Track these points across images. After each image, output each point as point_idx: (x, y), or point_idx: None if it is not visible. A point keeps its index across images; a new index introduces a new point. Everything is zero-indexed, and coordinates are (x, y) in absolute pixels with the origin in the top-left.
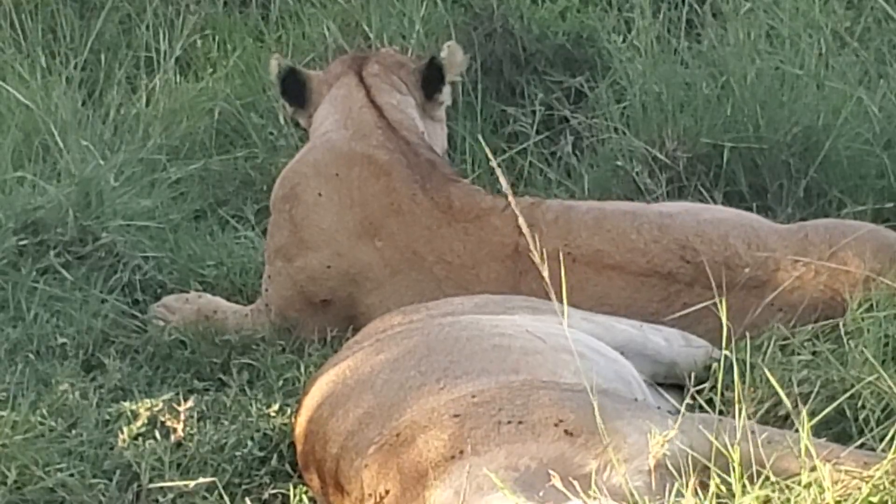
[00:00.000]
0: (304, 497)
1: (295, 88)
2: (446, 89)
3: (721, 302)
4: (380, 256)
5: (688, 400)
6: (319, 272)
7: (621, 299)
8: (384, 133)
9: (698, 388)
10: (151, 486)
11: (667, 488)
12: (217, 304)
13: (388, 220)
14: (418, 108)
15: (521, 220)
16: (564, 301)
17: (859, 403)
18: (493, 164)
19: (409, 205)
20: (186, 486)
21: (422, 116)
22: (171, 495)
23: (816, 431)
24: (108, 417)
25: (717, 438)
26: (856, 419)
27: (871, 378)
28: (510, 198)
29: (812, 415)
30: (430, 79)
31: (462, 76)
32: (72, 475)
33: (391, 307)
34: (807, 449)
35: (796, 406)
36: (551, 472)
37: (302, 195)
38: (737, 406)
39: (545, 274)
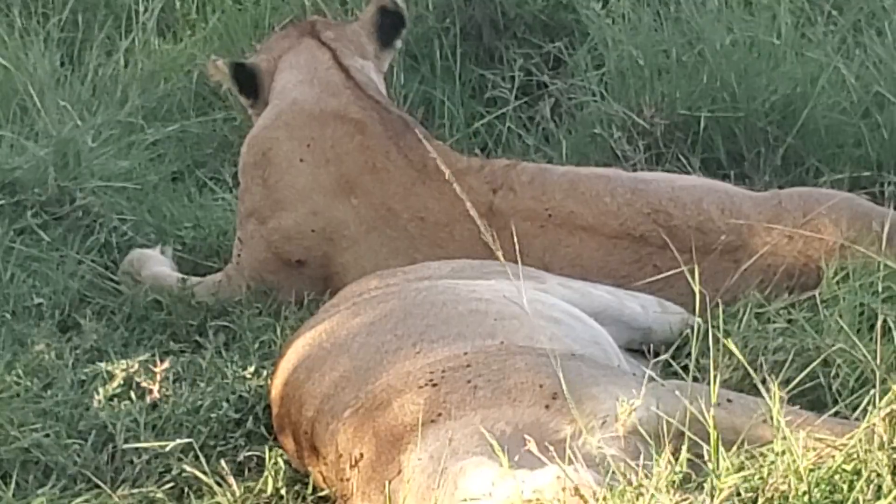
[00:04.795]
0: (279, 459)
1: (248, 81)
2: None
3: (695, 267)
4: (355, 214)
5: (660, 365)
6: (294, 231)
7: (593, 261)
8: (353, 92)
9: (673, 354)
10: (126, 446)
11: (642, 454)
12: (167, 277)
13: (363, 177)
14: (378, 71)
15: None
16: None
17: (833, 371)
18: None
19: (383, 162)
20: (162, 447)
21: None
22: (146, 456)
23: (791, 399)
24: (83, 378)
25: (691, 405)
26: (830, 387)
27: (845, 346)
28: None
29: (786, 383)
30: (388, 25)
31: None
32: (47, 436)
33: (366, 265)
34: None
35: (764, 381)
36: (527, 437)
37: (274, 158)
38: (711, 373)
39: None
